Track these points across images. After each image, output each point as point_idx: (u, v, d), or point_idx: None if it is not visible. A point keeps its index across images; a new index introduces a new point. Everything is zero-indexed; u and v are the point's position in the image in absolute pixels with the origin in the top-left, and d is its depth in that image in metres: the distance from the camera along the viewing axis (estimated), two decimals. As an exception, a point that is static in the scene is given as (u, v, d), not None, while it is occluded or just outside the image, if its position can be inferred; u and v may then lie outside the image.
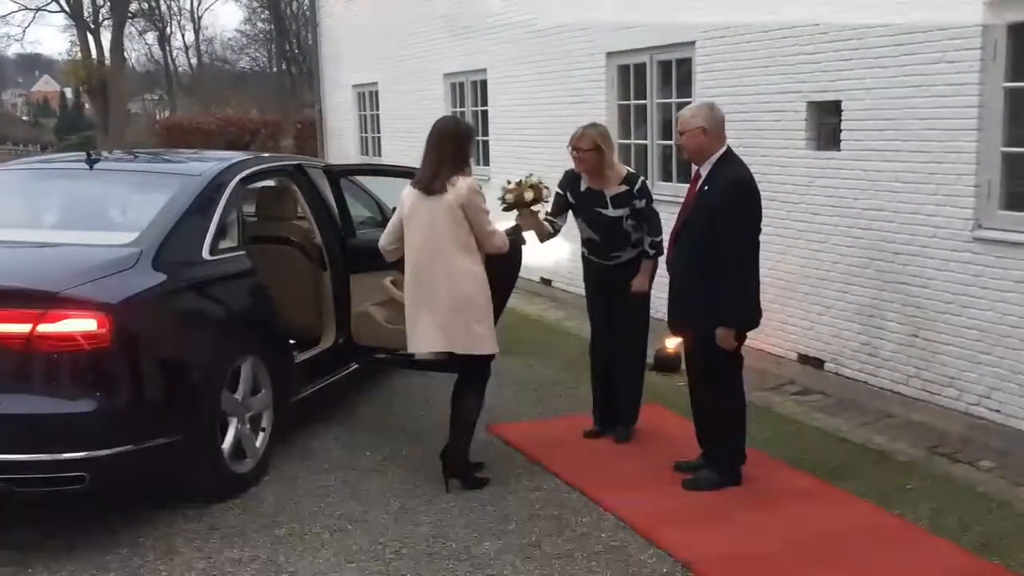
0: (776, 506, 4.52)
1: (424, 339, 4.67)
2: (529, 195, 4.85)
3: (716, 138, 4.59)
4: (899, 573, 3.90)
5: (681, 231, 4.66)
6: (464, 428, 4.76)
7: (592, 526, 4.34)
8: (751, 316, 4.58)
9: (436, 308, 4.58)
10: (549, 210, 5.18)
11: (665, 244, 4.97)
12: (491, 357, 4.75)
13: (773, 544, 4.14)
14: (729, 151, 4.64)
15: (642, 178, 5.32)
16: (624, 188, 5.16)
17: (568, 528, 4.32)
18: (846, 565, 3.96)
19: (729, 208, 4.45)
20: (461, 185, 4.53)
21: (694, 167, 4.77)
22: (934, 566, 3.97)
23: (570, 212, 5.34)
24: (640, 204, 5.15)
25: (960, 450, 5.20)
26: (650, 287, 5.30)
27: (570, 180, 5.32)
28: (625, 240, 5.22)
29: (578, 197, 5.26)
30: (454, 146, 4.63)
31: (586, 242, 5.36)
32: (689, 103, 7.35)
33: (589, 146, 5.11)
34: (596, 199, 5.19)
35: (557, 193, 5.32)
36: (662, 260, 5.07)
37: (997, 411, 5.25)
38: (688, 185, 4.88)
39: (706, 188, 4.56)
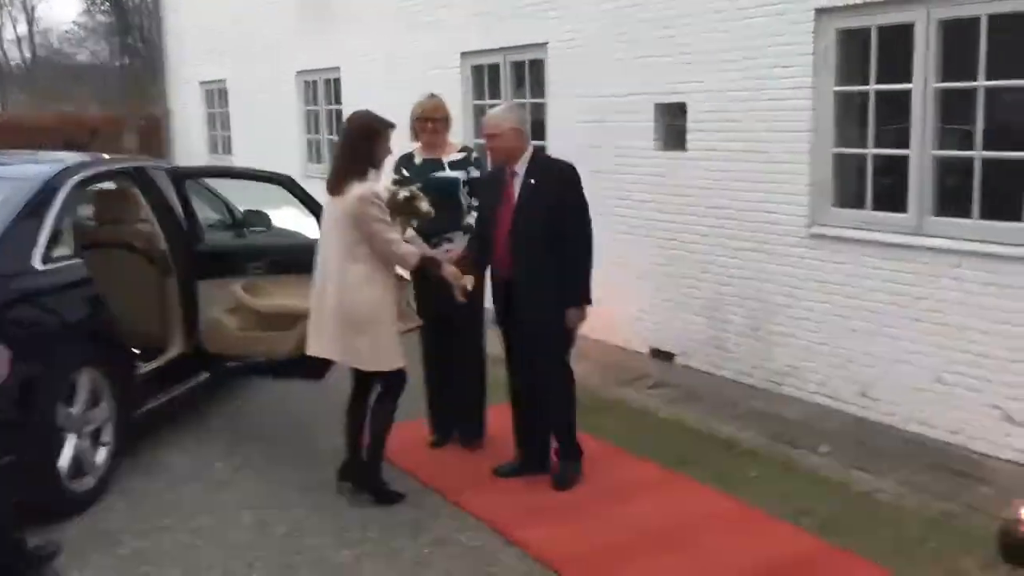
0: (627, 497, 4.64)
1: (314, 343, 4.51)
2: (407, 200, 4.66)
3: (527, 137, 4.68)
4: (742, 556, 4.05)
5: (514, 227, 4.57)
6: (370, 444, 4.57)
7: (451, 528, 4.34)
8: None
9: (325, 313, 4.42)
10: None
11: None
12: (396, 372, 4.49)
13: (625, 535, 4.24)
14: (536, 147, 4.76)
15: (476, 153, 5.34)
16: (462, 155, 5.15)
17: (427, 531, 4.30)
18: (692, 551, 4.10)
19: (572, 194, 4.57)
20: (353, 193, 4.26)
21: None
22: (775, 548, 4.14)
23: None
24: (476, 173, 5.11)
25: (800, 436, 5.47)
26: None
27: (405, 159, 5.16)
28: (458, 215, 5.04)
29: (414, 171, 5.08)
30: (354, 144, 4.39)
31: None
32: (543, 103, 7.57)
33: (445, 114, 5.14)
34: (433, 166, 5.08)
35: (394, 178, 5.11)
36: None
37: (832, 398, 5.55)
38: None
39: (532, 181, 4.57)
